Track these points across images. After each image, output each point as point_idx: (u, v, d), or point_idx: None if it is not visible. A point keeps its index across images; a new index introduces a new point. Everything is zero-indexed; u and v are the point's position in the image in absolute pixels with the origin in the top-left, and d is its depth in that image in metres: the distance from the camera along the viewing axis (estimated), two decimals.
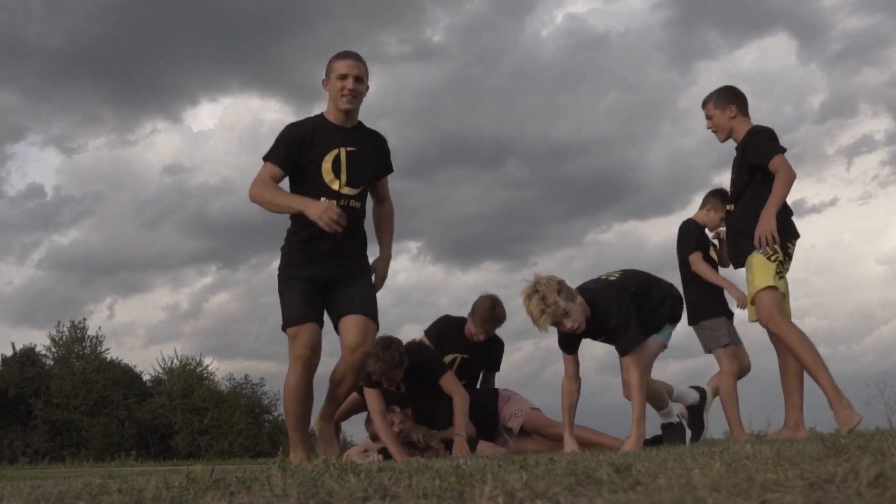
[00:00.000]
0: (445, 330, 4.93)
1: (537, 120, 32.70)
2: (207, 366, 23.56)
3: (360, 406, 4.79)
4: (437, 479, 1.51)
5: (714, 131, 4.27)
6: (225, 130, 34.43)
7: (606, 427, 4.63)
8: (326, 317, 3.60)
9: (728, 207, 4.23)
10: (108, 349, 23.53)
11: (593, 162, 31.34)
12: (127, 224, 32.63)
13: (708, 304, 4.61)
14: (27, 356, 22.44)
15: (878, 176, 30.43)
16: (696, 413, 4.76)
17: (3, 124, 31.38)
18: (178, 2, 30.52)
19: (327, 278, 3.55)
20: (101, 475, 3.24)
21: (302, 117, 3.72)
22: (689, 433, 4.69)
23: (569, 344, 4.10)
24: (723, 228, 4.54)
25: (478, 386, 5.07)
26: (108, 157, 33.60)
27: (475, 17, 33.18)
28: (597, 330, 4.03)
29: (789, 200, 4.01)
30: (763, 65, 32.31)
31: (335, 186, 3.54)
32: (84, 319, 23.92)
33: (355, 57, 3.63)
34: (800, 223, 4.09)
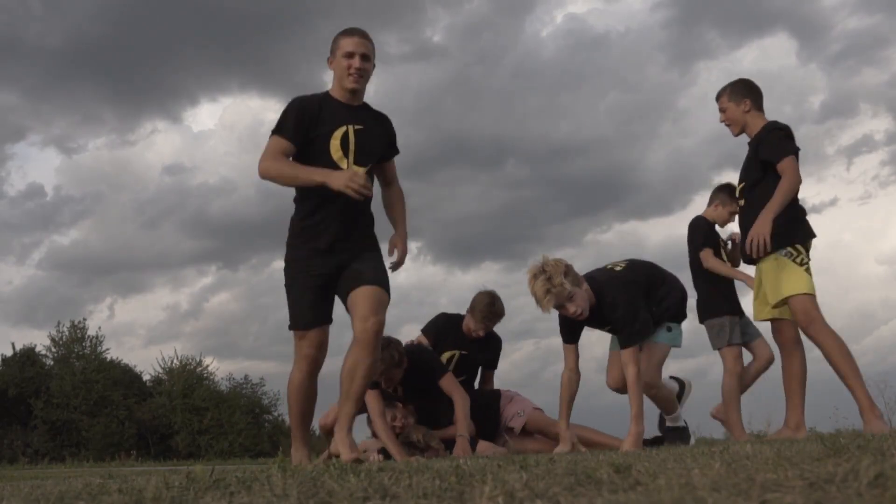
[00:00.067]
0: (443, 327, 4.94)
1: (537, 120, 32.70)
2: (207, 366, 23.61)
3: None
4: (437, 479, 1.50)
5: (727, 125, 4.21)
6: (225, 130, 34.46)
7: (606, 427, 4.64)
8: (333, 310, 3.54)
9: (739, 203, 4.16)
10: (108, 349, 23.59)
11: (593, 162, 31.34)
12: (127, 224, 32.65)
13: (717, 303, 4.61)
14: (27, 356, 22.45)
15: (878, 176, 30.42)
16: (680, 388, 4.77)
17: (3, 124, 31.40)
18: (178, 2, 30.52)
19: (336, 266, 3.46)
20: (101, 475, 3.24)
21: None
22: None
23: (570, 332, 4.09)
24: (737, 231, 4.51)
25: (476, 383, 5.08)
26: (108, 157, 33.62)
27: (475, 17, 33.19)
28: (600, 319, 4.02)
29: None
30: (763, 65, 32.30)
31: (343, 165, 3.44)
32: (84, 319, 23.99)
33: (362, 34, 3.52)
34: None
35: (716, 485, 1.17)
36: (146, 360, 36.07)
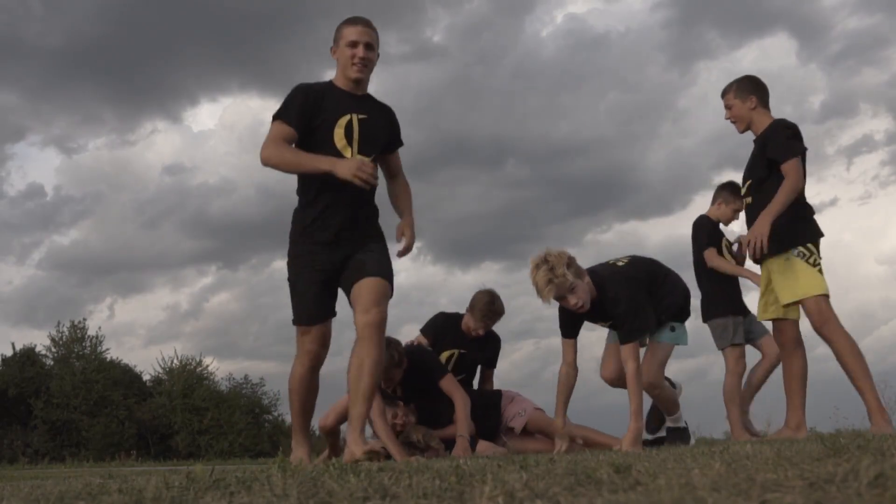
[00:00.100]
0: (442, 326, 4.94)
1: (537, 120, 32.69)
2: (207, 366, 23.59)
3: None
4: (437, 479, 1.50)
5: (733, 122, 4.18)
6: (225, 130, 34.44)
7: (606, 427, 4.64)
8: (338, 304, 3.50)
9: (746, 201, 4.10)
10: (108, 349, 23.55)
11: (593, 162, 31.33)
12: (127, 224, 32.64)
13: (720, 303, 4.61)
14: (27, 356, 22.44)
15: (878, 176, 30.42)
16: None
17: (3, 124, 31.39)
18: (178, 2, 30.52)
19: (341, 258, 3.39)
20: (101, 475, 3.24)
21: None
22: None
23: (570, 326, 4.09)
24: (745, 234, 4.49)
25: (475, 382, 5.08)
26: (108, 157, 33.61)
27: (475, 17, 33.19)
28: (601, 313, 4.02)
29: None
30: (763, 65, 32.34)
31: (347, 154, 3.36)
32: (84, 319, 23.96)
33: (366, 23, 3.45)
34: None
35: (716, 485, 1.17)
36: (146, 360, 36.10)
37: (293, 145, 3.38)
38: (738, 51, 31.06)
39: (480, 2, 33.71)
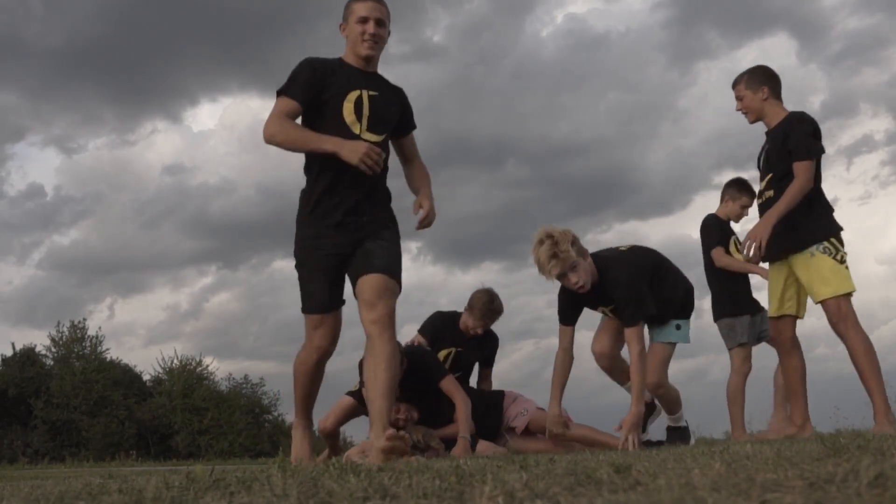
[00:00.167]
0: (440, 325, 4.95)
1: (537, 120, 32.66)
2: (207, 366, 23.58)
3: (357, 410, 4.80)
4: (437, 479, 1.50)
5: (743, 112, 4.12)
6: (225, 130, 34.41)
7: (607, 427, 4.63)
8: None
9: (767, 194, 3.98)
10: (108, 349, 23.53)
11: (593, 162, 31.31)
12: (127, 224, 32.62)
13: (728, 302, 4.61)
14: (27, 356, 22.43)
15: (878, 176, 30.39)
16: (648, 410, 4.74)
17: (3, 124, 31.36)
18: (178, 2, 30.52)
19: (351, 242, 3.25)
20: (101, 475, 3.24)
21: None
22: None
23: (569, 312, 4.07)
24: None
25: (475, 382, 5.08)
26: (108, 157, 33.58)
27: (475, 17, 33.17)
28: (601, 296, 4.00)
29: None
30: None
31: (356, 130, 3.22)
32: (84, 319, 23.93)
33: None
34: None
35: (716, 485, 1.17)
36: (146, 360, 36.07)
37: (299, 119, 3.26)
38: (738, 51, 31.04)
39: (480, 2, 33.72)
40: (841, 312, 3.76)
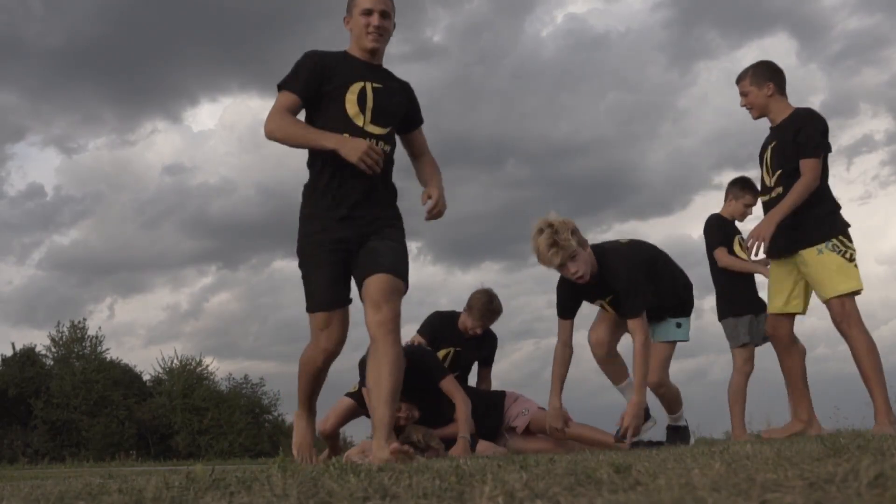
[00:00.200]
0: (439, 325, 4.94)
1: (537, 120, 32.66)
2: (207, 366, 23.58)
3: (356, 412, 4.80)
4: (437, 479, 1.50)
5: (748, 108, 4.09)
6: (225, 130, 34.43)
7: (607, 427, 4.63)
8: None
9: (778, 190, 3.94)
10: (108, 349, 23.54)
11: (593, 162, 31.31)
12: (127, 224, 32.63)
13: (732, 302, 4.61)
14: (27, 356, 22.44)
15: (878, 176, 30.38)
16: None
17: (3, 124, 31.38)
18: (178, 2, 30.52)
19: (357, 237, 3.17)
20: (101, 475, 3.24)
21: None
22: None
23: (568, 305, 4.05)
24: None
25: (472, 380, 5.09)
26: (108, 157, 33.60)
27: (475, 17, 33.18)
28: (600, 288, 3.98)
29: None
30: None
31: (359, 122, 3.16)
32: (84, 319, 23.95)
33: None
34: None
35: (716, 485, 1.17)
36: (146, 360, 36.08)
37: (303, 112, 3.22)
38: (738, 51, 31.05)
39: (480, 2, 33.73)
40: (845, 311, 3.75)
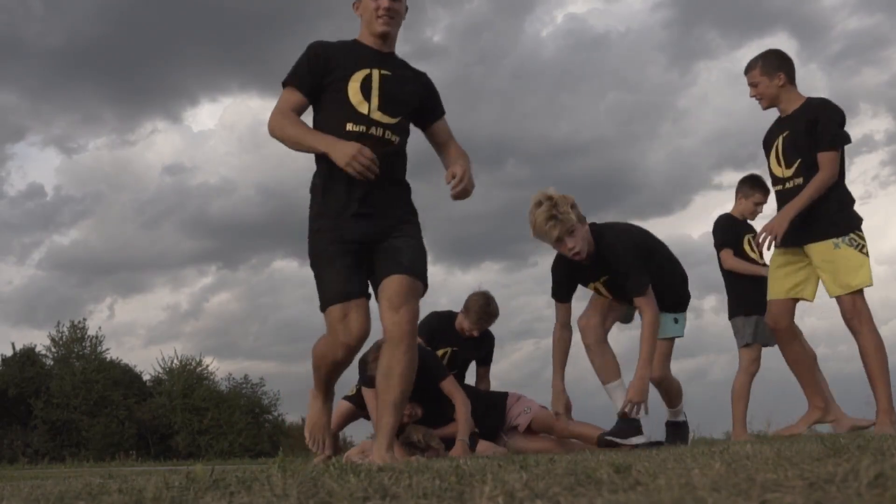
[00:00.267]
0: (437, 326, 4.94)
1: (537, 120, 32.70)
2: (207, 366, 23.61)
3: (355, 415, 4.80)
4: (437, 479, 1.50)
5: (758, 99, 4.00)
6: (225, 130, 34.49)
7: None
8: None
9: (796, 181, 3.83)
10: (108, 349, 23.60)
11: (593, 162, 31.35)
12: (127, 224, 32.67)
13: (739, 302, 4.61)
14: (27, 356, 22.46)
15: (878, 176, 30.40)
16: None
17: (3, 124, 31.43)
18: (178, 2, 30.55)
19: (373, 230, 3.04)
20: (101, 475, 3.24)
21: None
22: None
23: (564, 287, 3.99)
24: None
25: (471, 380, 5.09)
26: (108, 157, 33.65)
27: (475, 17, 33.22)
28: (597, 267, 3.89)
29: None
30: None
31: (363, 110, 3.02)
32: (84, 319, 24.02)
33: None
34: None
35: (716, 485, 1.17)
36: (146, 360, 36.14)
37: (308, 110, 3.14)
38: (738, 51, 31.13)
39: (480, 2, 33.76)
40: (855, 308, 3.72)
